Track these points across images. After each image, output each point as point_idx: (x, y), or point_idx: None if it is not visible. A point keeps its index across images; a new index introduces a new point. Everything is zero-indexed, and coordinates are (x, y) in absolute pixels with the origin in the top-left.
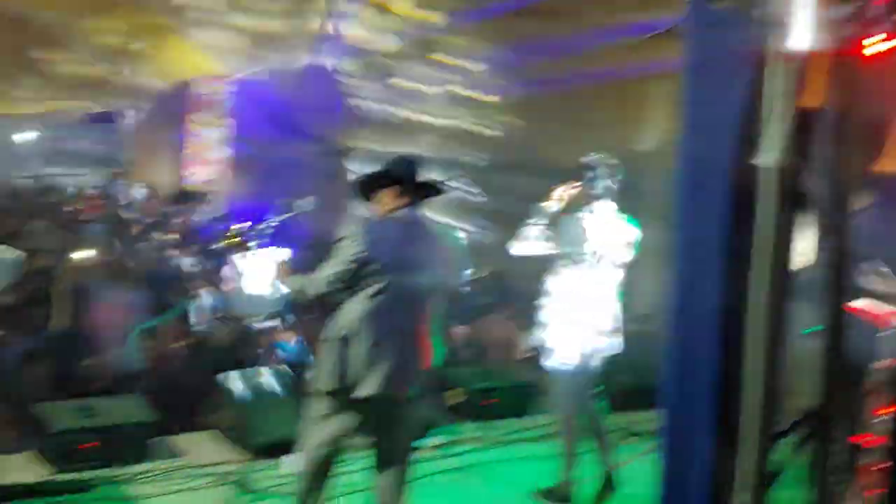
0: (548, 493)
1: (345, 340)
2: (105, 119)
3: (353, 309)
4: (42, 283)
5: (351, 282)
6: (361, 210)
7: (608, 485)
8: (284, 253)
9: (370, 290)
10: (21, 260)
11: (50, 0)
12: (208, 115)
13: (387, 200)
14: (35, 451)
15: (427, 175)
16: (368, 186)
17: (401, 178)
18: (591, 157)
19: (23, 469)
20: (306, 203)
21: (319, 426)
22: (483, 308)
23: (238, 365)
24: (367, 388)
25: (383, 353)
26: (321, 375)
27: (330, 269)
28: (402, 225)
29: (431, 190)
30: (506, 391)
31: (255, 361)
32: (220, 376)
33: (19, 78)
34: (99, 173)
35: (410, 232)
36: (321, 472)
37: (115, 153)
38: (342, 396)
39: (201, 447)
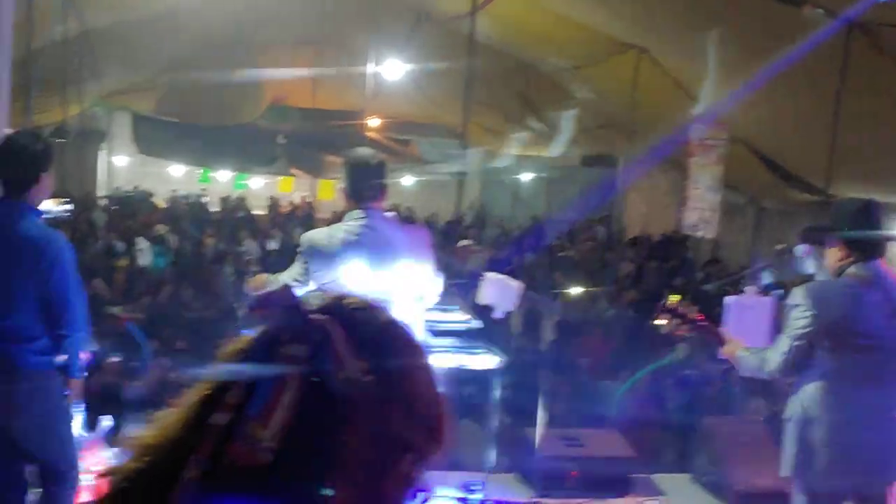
0: None
1: (804, 423)
2: (602, 161)
3: (811, 386)
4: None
5: (806, 356)
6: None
7: None
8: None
9: (826, 365)
10: (520, 290)
11: (556, 48)
12: (705, 159)
13: (833, 257)
14: (520, 473)
15: (878, 225)
16: (813, 243)
17: (841, 231)
18: None
19: (512, 489)
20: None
21: None
22: None
23: (721, 409)
24: (832, 477)
25: (848, 438)
26: (784, 458)
27: (781, 348)
28: (856, 286)
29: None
30: None
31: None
32: (703, 419)
33: (524, 121)
34: (589, 215)
35: (867, 294)
36: None
37: (608, 196)
38: (805, 485)
39: (680, 489)
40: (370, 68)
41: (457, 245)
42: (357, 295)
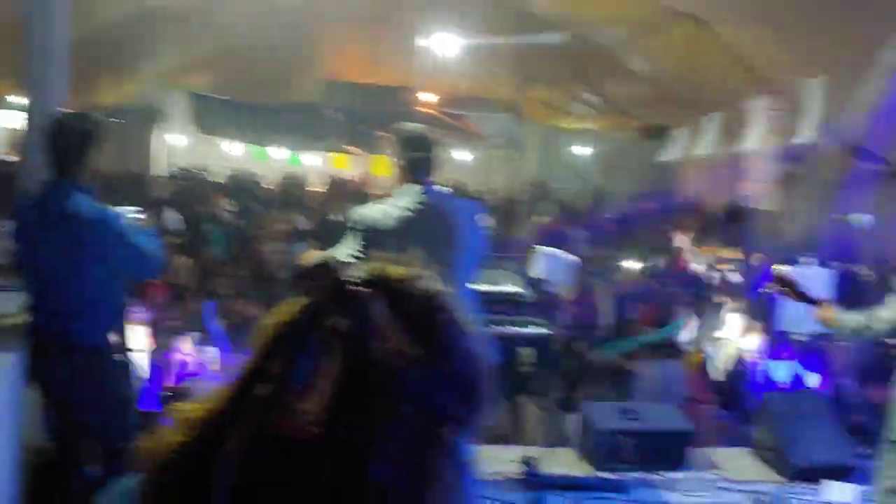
0: None
1: None
2: (658, 133)
3: None
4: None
5: None
6: None
7: None
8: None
9: None
10: (577, 264)
11: (611, 19)
12: (764, 130)
13: None
14: (580, 448)
15: None
16: None
17: None
18: None
19: (569, 463)
20: (862, 219)
21: None
22: None
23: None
24: None
25: None
26: (894, 423)
27: (893, 310)
28: None
29: None
30: None
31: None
32: (762, 394)
33: (579, 94)
34: (650, 187)
35: None
36: None
37: (664, 169)
38: None
39: (737, 463)
40: (424, 43)
41: (529, 220)
42: (400, 267)
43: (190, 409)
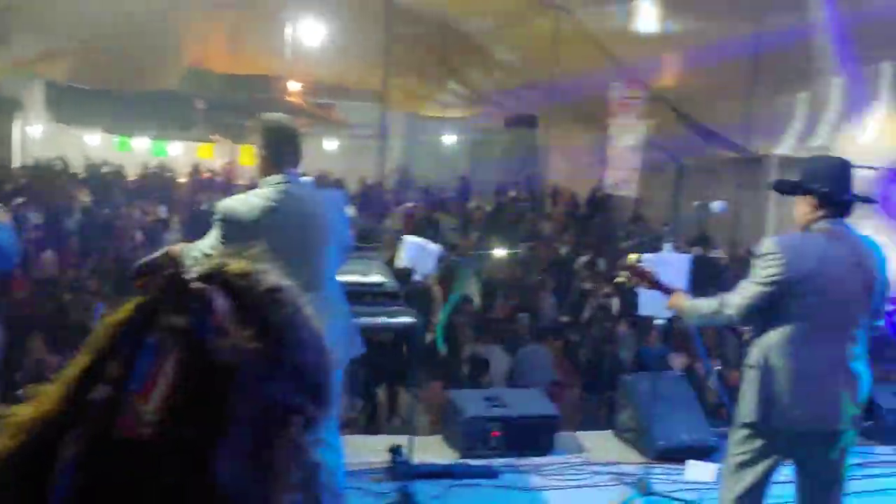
0: None
1: (767, 369)
2: (524, 122)
3: (774, 334)
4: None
5: (770, 304)
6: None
7: None
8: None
9: (792, 314)
10: (442, 253)
11: (475, 8)
12: (626, 119)
13: (803, 210)
14: (447, 435)
15: (851, 185)
16: (784, 193)
17: (812, 190)
18: None
19: (437, 451)
20: (719, 205)
21: (744, 468)
22: None
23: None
24: (792, 421)
25: (808, 383)
26: (743, 405)
27: (745, 294)
28: (823, 240)
29: (854, 201)
30: None
31: (658, 364)
32: (625, 377)
33: (445, 83)
34: (515, 175)
35: (833, 248)
36: None
37: (530, 156)
38: (765, 429)
39: (602, 445)
40: (289, 32)
41: (399, 207)
42: (242, 261)
43: (22, 411)
